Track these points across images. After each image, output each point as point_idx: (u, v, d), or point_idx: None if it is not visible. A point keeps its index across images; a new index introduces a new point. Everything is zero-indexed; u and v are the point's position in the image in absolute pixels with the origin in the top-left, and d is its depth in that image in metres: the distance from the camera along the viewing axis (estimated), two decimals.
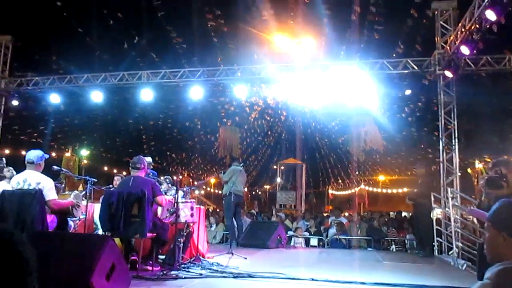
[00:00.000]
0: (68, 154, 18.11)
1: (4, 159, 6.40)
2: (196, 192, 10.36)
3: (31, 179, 5.02)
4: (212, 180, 28.45)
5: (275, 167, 23.42)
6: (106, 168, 24.03)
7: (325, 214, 17.97)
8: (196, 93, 10.83)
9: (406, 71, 9.96)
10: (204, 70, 10.82)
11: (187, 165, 24.12)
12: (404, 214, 14.68)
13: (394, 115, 16.02)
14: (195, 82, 10.82)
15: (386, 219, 12.24)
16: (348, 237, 10.32)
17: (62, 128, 17.00)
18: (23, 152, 17.36)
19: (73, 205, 5.19)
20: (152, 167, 6.99)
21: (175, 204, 5.53)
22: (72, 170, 15.74)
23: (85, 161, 20.89)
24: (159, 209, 5.88)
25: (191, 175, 24.31)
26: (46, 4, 10.24)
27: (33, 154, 5.09)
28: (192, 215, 5.81)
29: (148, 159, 6.26)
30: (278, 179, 21.22)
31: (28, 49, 11.94)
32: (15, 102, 11.84)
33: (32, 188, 4.94)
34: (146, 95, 10.89)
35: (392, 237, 10.36)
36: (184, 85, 11.07)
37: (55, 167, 5.79)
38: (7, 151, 16.59)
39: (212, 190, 31.70)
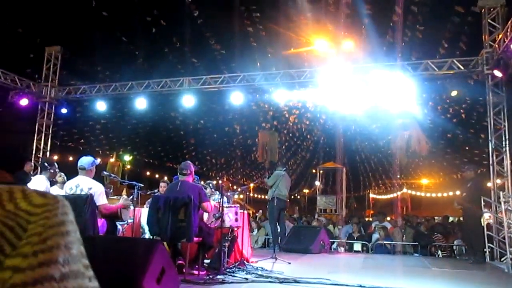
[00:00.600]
0: (112, 160, 18.69)
1: (56, 164, 6.64)
2: (235, 196, 10.41)
3: (83, 184, 5.20)
4: (251, 185, 28.59)
5: (314, 171, 23.25)
6: (148, 173, 24.60)
7: (366, 219, 17.65)
8: (236, 98, 10.93)
9: (451, 72, 9.65)
10: (244, 75, 10.89)
11: (227, 170, 24.35)
12: (451, 219, 14.18)
13: (438, 117, 15.59)
14: (235, 87, 10.91)
15: (432, 224, 11.86)
16: (393, 242, 10.07)
17: (107, 134, 17.58)
18: (71, 158, 18.14)
19: (124, 207, 5.33)
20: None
21: (221, 209, 5.58)
22: (116, 175, 16.22)
23: (128, 166, 21.47)
24: (205, 214, 5.95)
25: (231, 179, 24.54)
26: (92, 14, 10.65)
27: (85, 161, 5.27)
28: (236, 220, 5.85)
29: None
30: (318, 183, 21.04)
31: (76, 59, 12.45)
32: (64, 110, 12.33)
33: (84, 193, 5.12)
34: (188, 101, 11.07)
35: (439, 243, 10.02)
36: (224, 90, 11.20)
37: (105, 172, 5.99)
38: (55, 157, 17.30)
39: (251, 195, 31.84)
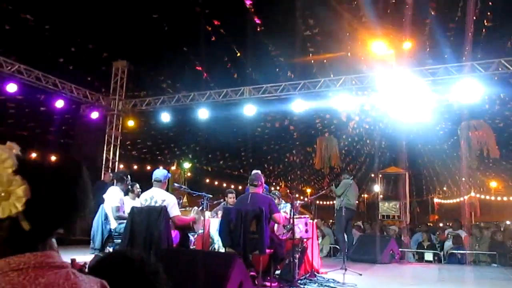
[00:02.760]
0: (173, 168, 19.15)
1: (129, 176, 6.85)
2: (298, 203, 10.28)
3: (157, 196, 5.36)
4: (308, 190, 28.28)
5: (373, 175, 22.61)
6: (207, 180, 25.04)
7: (430, 224, 16.92)
8: (297, 105, 10.85)
9: None
10: (305, 82, 10.81)
11: (285, 176, 24.30)
12: None
13: (507, 117, 14.72)
14: (296, 95, 10.85)
15: (509, 232, 11.11)
16: (468, 251, 9.53)
17: (168, 144, 18.09)
18: (135, 167, 18.81)
19: (196, 221, 5.44)
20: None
21: (291, 220, 5.54)
22: (179, 182, 16.59)
23: (188, 174, 21.95)
24: (276, 225, 5.93)
25: (289, 185, 24.44)
26: (154, 28, 11.01)
27: (160, 173, 5.44)
28: (306, 231, 5.79)
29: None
30: (378, 188, 20.40)
31: (141, 72, 12.93)
32: (130, 122, 12.85)
33: (158, 205, 5.27)
34: (249, 110, 11.15)
35: None
36: (285, 98, 11.17)
37: (175, 184, 6.13)
38: (121, 166, 18.02)
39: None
